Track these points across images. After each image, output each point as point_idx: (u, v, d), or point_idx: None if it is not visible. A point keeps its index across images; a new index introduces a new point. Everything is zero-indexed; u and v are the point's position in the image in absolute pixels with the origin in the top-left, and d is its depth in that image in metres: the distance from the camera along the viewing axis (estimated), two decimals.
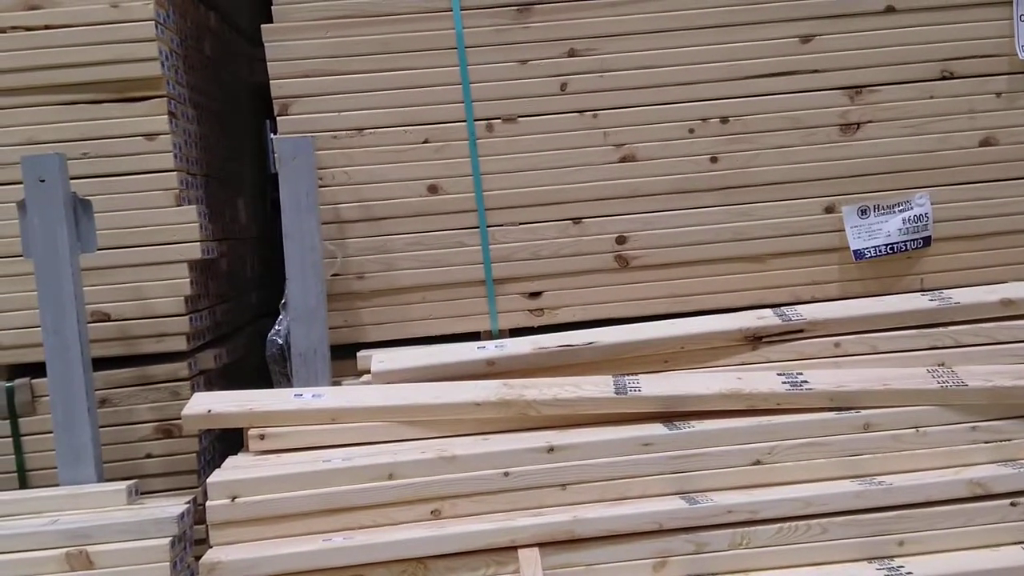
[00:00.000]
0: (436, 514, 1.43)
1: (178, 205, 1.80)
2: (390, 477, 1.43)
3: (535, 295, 1.86)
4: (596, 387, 1.56)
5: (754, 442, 1.48)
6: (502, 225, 1.83)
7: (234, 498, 1.39)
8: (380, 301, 1.84)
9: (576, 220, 1.83)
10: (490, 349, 1.67)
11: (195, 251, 1.81)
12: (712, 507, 1.41)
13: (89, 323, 1.69)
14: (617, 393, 1.54)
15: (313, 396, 1.58)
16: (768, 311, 1.71)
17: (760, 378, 1.57)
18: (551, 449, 1.46)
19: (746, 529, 1.40)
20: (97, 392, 1.71)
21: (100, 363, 1.77)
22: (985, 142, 1.85)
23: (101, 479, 1.61)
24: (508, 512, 1.44)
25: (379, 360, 1.67)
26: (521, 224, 1.83)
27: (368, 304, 1.84)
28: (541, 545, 1.39)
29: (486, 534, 1.39)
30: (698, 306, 1.86)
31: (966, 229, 1.85)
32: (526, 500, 1.45)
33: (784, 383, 1.55)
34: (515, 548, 1.38)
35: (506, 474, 1.45)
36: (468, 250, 1.83)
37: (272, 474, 1.43)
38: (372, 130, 1.81)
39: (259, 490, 1.41)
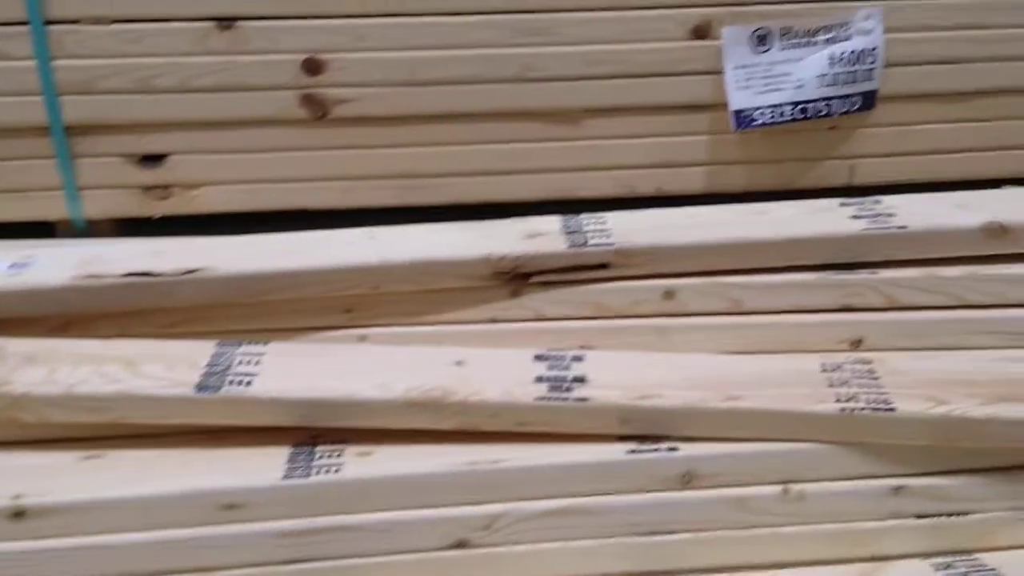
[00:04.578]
0: None
1: None
2: None
3: (153, 159, 1.09)
4: (168, 370, 0.83)
5: (457, 503, 0.80)
6: (77, 22, 1.04)
7: None
8: None
9: (226, 22, 1.04)
10: None
11: None
12: None
13: None
14: (202, 387, 0.82)
15: None
16: (554, 221, 0.98)
17: (499, 366, 0.86)
18: (20, 512, 0.76)
19: None
20: None
21: None
22: None
23: None
24: None
25: None
26: (117, 24, 1.04)
27: None
28: None
29: None
30: (454, 197, 1.12)
31: (942, 80, 1.12)
32: None
33: (541, 380, 0.85)
34: None
35: None
36: (11, 67, 1.02)
37: None
38: None
39: None
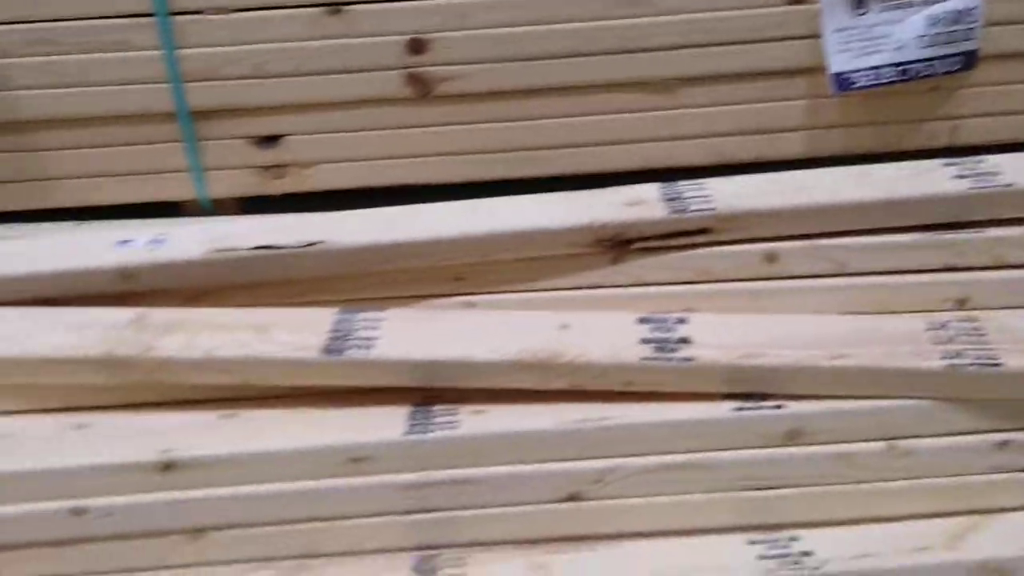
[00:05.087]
0: None
1: None
2: None
3: (270, 140, 1.15)
4: (296, 335, 0.89)
5: (569, 459, 0.84)
6: (199, 12, 1.09)
7: None
8: None
9: (335, 6, 1.10)
10: (136, 247, 0.99)
11: None
12: None
13: None
14: (328, 351, 0.88)
15: None
16: (654, 189, 1.00)
17: (604, 328, 0.90)
18: (170, 465, 0.83)
19: None
20: None
21: None
22: None
23: None
24: None
25: None
26: (234, 11, 1.10)
27: None
28: None
29: None
30: (554, 169, 1.15)
31: None
32: (121, 558, 0.83)
33: (645, 341, 0.88)
34: None
35: (77, 511, 0.82)
36: (140, 57, 1.09)
37: None
38: None
39: None
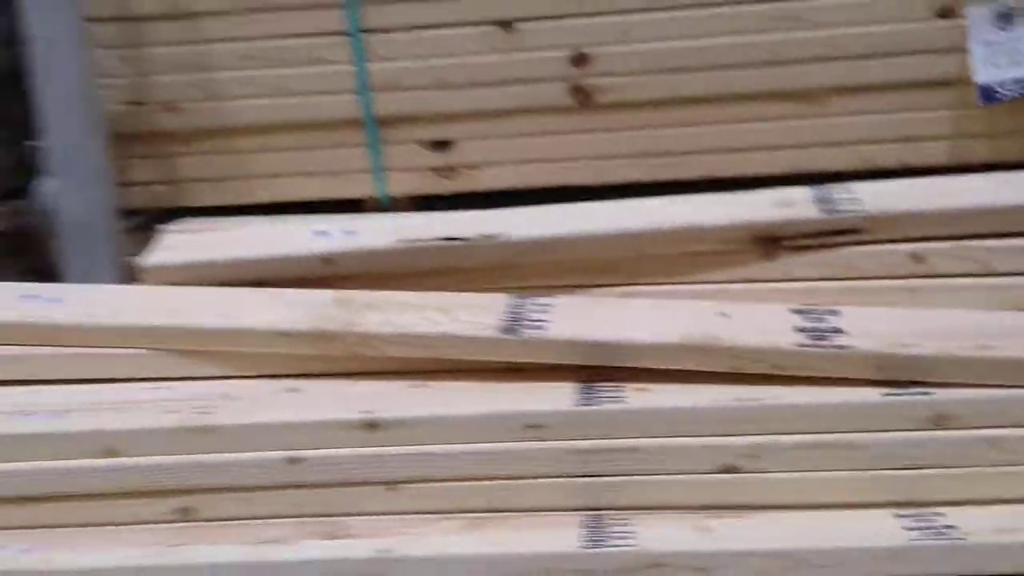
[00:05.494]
0: (184, 515, 0.95)
1: None
2: (110, 453, 0.95)
3: (443, 145, 1.27)
4: (476, 316, 0.99)
5: (727, 434, 0.91)
6: (386, 30, 1.22)
7: None
8: (205, 146, 1.28)
9: (507, 24, 1.21)
10: (333, 237, 1.11)
11: None
12: (629, 553, 0.87)
13: None
14: (506, 330, 0.97)
15: (50, 300, 1.09)
16: (804, 191, 1.07)
17: (760, 317, 0.97)
18: (373, 424, 0.94)
19: None
20: None
21: None
22: None
23: None
24: (294, 520, 0.95)
25: (163, 248, 1.15)
26: (417, 29, 1.22)
27: (188, 150, 1.29)
28: None
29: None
30: (704, 172, 1.23)
31: None
32: (329, 503, 0.94)
33: (799, 330, 0.95)
34: None
35: (293, 460, 0.94)
36: (332, 70, 1.23)
37: None
38: None
39: None
